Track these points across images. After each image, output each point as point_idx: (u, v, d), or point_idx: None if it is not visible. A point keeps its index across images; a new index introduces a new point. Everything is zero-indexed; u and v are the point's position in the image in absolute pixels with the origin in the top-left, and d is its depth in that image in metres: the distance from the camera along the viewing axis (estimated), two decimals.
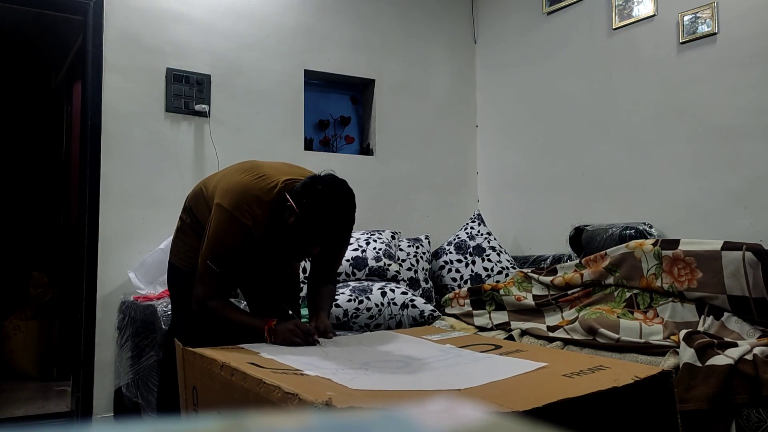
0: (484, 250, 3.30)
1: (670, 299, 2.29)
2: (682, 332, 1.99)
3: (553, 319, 2.57)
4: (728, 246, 2.20)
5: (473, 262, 3.25)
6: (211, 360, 1.26)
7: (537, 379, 1.17)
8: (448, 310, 2.85)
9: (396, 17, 3.78)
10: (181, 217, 1.97)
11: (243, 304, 2.32)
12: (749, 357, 1.77)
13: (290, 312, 2.11)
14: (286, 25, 3.42)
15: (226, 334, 1.71)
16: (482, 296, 2.78)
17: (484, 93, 4.02)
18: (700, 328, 2.10)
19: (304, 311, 2.79)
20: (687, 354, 1.85)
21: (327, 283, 1.95)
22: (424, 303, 2.79)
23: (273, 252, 1.79)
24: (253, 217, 1.67)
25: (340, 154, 3.62)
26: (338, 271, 2.10)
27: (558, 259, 3.12)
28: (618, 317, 2.26)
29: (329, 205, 1.59)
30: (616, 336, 2.14)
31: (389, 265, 3.01)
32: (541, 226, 3.54)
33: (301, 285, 2.52)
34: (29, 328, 4.11)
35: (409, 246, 3.26)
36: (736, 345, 1.87)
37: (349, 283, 2.89)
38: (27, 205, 4.81)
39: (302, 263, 2.89)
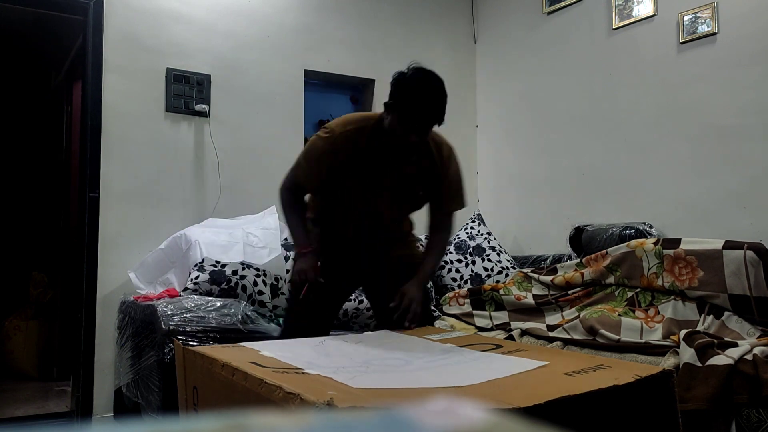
0: (484, 250, 3.30)
1: (672, 297, 2.29)
2: (682, 332, 1.99)
3: (553, 319, 2.56)
4: (729, 245, 2.20)
5: (473, 262, 3.25)
6: (211, 359, 1.25)
7: (538, 377, 1.17)
8: (448, 310, 2.85)
9: (396, 17, 3.78)
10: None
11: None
12: (749, 357, 1.77)
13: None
14: (286, 25, 3.42)
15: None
16: (482, 296, 2.78)
17: (484, 93, 4.01)
18: (699, 327, 2.10)
19: None
20: (687, 354, 1.85)
21: (437, 230, 1.98)
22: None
23: (380, 169, 1.85)
24: (334, 135, 1.81)
25: None
26: (454, 213, 1.99)
27: (558, 259, 3.11)
28: (619, 315, 2.26)
29: (416, 84, 1.69)
30: (617, 337, 2.14)
31: None
32: (541, 226, 3.54)
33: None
34: (29, 328, 4.11)
35: None
36: (736, 345, 1.87)
37: None
38: (27, 205, 4.80)
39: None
